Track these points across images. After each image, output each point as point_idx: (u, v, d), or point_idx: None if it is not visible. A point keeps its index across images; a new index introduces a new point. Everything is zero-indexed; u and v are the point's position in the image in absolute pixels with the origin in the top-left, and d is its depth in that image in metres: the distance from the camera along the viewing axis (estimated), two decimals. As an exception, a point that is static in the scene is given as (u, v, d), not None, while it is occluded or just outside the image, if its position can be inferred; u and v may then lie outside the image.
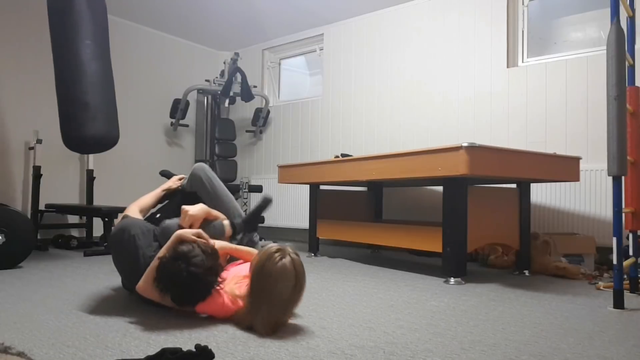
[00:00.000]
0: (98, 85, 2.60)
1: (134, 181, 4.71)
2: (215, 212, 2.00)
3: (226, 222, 2.01)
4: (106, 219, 3.57)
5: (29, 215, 3.82)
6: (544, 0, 3.66)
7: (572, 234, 3.05)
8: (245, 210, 4.43)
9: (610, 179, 3.05)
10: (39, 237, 3.88)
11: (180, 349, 1.19)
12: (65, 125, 2.58)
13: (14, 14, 3.93)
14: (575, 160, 2.75)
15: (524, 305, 1.99)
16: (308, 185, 4.26)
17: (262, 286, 1.48)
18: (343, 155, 4.02)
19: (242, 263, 1.89)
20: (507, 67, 3.61)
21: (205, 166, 2.20)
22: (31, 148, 3.96)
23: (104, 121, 2.60)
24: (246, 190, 4.40)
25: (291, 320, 1.66)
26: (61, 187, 4.20)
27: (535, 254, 2.88)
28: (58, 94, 2.60)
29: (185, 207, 1.90)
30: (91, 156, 4.18)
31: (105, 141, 2.66)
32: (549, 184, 3.30)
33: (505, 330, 1.59)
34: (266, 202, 2.12)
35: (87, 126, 2.55)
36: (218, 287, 1.65)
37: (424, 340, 1.47)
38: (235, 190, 4.65)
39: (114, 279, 2.45)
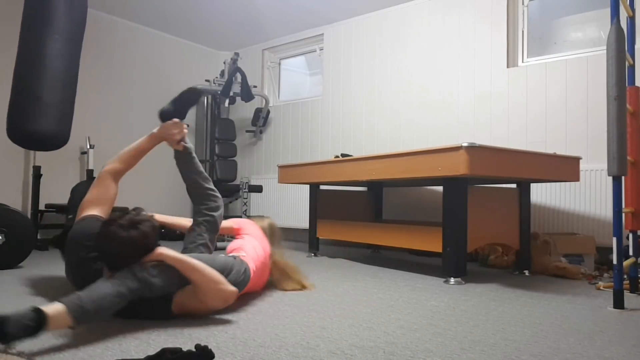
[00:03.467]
0: (58, 82, 2.45)
1: (133, 181, 4.70)
2: None
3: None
4: (106, 219, 3.56)
5: (29, 215, 3.82)
6: (544, 0, 3.66)
7: (572, 234, 3.05)
8: (245, 211, 4.43)
9: (610, 179, 3.05)
10: (39, 237, 3.88)
11: (180, 349, 1.19)
12: (13, 116, 2.42)
13: (12, 14, 3.93)
14: (575, 160, 2.75)
15: (524, 305, 1.99)
16: (308, 185, 4.26)
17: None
18: (343, 155, 4.02)
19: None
20: (507, 67, 3.61)
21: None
22: (31, 148, 3.96)
23: (55, 119, 2.45)
24: (246, 190, 4.40)
25: (291, 320, 1.67)
26: (61, 187, 4.20)
27: (535, 254, 2.88)
28: (13, 84, 2.45)
29: None
30: (91, 156, 4.17)
31: (53, 139, 2.50)
32: (549, 184, 3.30)
33: (505, 330, 1.59)
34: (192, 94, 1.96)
35: (35, 121, 2.39)
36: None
37: (424, 340, 1.47)
38: (235, 190, 4.65)
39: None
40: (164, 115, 1.93)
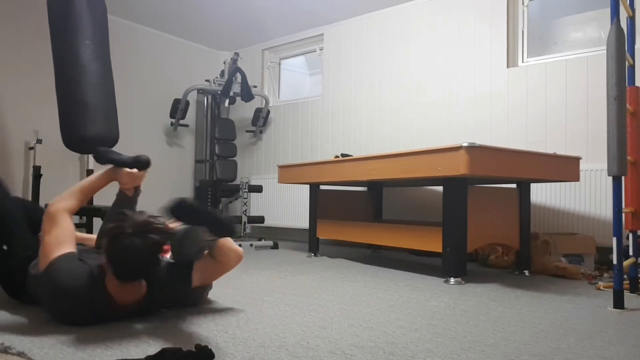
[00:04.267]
0: (98, 86, 2.60)
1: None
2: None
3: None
4: (106, 219, 3.56)
5: (29, 215, 3.82)
6: (544, 0, 3.66)
7: (572, 234, 3.05)
8: (245, 211, 4.43)
9: (610, 179, 3.05)
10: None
11: (180, 349, 1.19)
12: (65, 125, 2.59)
13: (13, 15, 3.93)
14: (575, 160, 2.74)
15: (524, 305, 1.99)
16: (308, 185, 4.26)
17: None
18: (343, 155, 4.01)
19: None
20: (507, 67, 3.61)
21: None
22: (31, 148, 3.96)
23: (103, 121, 2.61)
24: (246, 190, 4.39)
25: (291, 320, 1.67)
26: (61, 187, 4.20)
27: (535, 254, 2.88)
28: (58, 95, 2.60)
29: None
30: (91, 156, 4.18)
31: (105, 141, 2.66)
32: (549, 184, 3.30)
33: (505, 330, 1.59)
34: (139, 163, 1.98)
35: (87, 126, 2.55)
36: None
37: (424, 340, 1.47)
38: (235, 190, 4.65)
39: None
40: (140, 164, 1.99)
